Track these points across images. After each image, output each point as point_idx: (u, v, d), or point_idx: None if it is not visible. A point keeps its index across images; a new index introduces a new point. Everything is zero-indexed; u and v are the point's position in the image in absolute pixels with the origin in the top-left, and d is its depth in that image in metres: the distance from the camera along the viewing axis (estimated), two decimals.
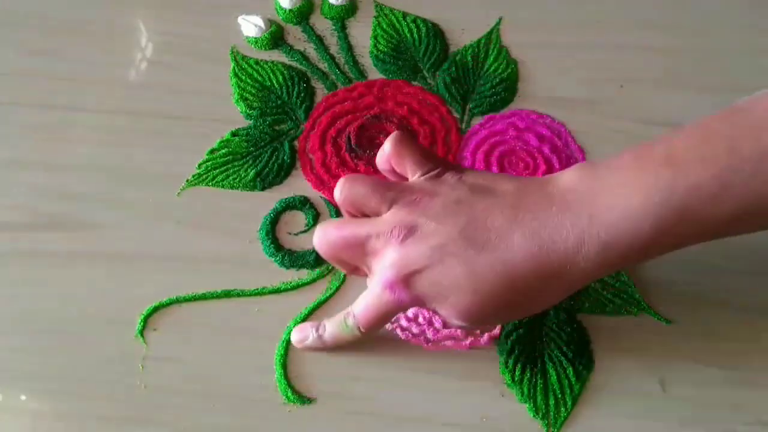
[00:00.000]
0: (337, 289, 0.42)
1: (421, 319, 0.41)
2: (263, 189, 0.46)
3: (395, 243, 0.33)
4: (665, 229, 0.30)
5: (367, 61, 0.51)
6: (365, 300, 0.36)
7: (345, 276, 0.43)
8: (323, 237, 0.36)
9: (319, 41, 0.52)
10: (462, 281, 0.32)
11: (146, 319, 0.41)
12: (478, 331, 0.41)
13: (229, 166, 0.46)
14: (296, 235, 0.44)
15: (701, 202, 0.29)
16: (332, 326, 0.38)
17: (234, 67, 0.51)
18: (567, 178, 0.33)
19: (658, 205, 0.30)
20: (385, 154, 0.37)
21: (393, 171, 0.37)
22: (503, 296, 0.32)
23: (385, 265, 0.34)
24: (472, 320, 0.34)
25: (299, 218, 0.45)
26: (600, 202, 0.31)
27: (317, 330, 0.39)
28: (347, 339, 0.38)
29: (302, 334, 0.40)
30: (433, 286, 0.33)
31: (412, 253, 0.33)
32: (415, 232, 0.33)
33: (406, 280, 0.33)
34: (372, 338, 0.41)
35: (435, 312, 0.35)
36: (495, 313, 0.34)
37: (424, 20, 0.52)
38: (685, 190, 0.30)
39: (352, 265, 0.37)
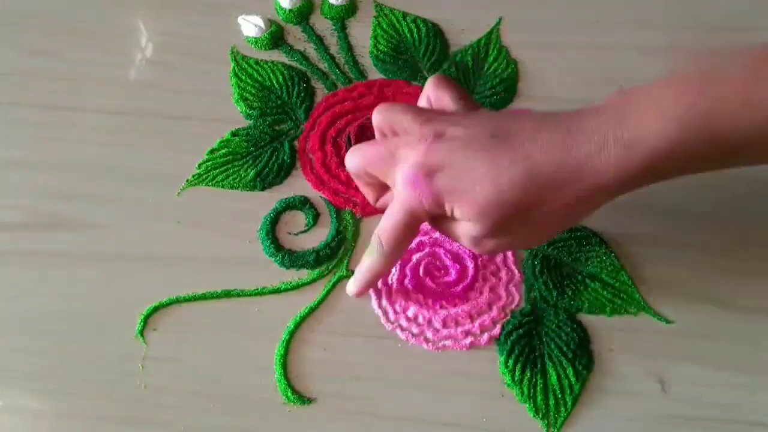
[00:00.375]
0: (334, 285, 0.42)
1: (420, 319, 0.41)
2: (263, 189, 0.46)
3: (423, 146, 0.34)
4: (691, 135, 0.29)
5: (367, 61, 0.51)
6: (388, 211, 0.36)
7: (343, 276, 0.43)
8: (356, 150, 0.37)
9: (319, 41, 0.52)
10: (483, 173, 0.32)
11: (146, 319, 0.41)
12: (477, 331, 0.41)
13: (229, 166, 0.47)
14: (296, 235, 0.44)
15: (731, 108, 0.29)
16: (363, 258, 0.39)
17: (234, 67, 0.51)
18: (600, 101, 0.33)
19: (687, 109, 0.29)
20: (425, 89, 0.38)
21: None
22: (521, 196, 0.32)
23: (409, 163, 0.34)
24: (489, 220, 0.33)
25: (299, 218, 0.45)
26: (629, 107, 0.31)
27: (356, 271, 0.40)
28: (377, 263, 0.38)
29: (351, 285, 0.41)
30: (455, 180, 0.33)
31: (437, 151, 0.33)
32: (443, 135, 0.34)
33: (428, 174, 0.33)
34: (371, 338, 0.41)
35: (452, 215, 0.34)
36: (508, 217, 0.33)
37: (424, 20, 0.52)
38: (715, 96, 0.29)
39: (379, 184, 0.37)
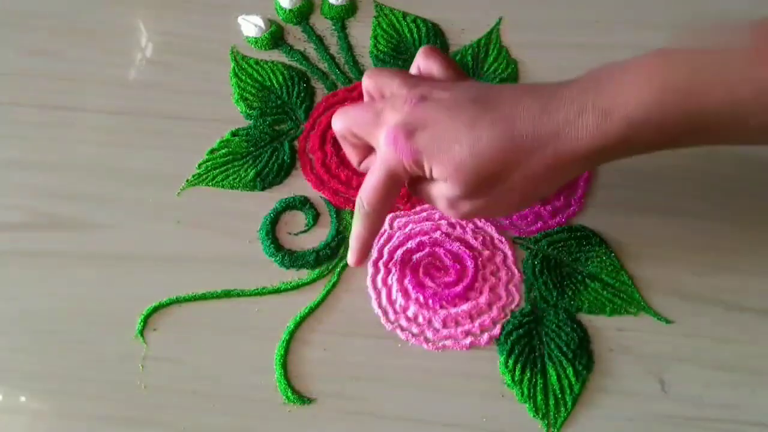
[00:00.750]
0: (334, 285, 0.42)
1: (421, 319, 0.41)
2: (263, 189, 0.46)
3: (407, 107, 0.34)
4: (668, 106, 0.30)
5: (367, 61, 0.51)
6: (369, 171, 0.36)
7: (341, 274, 0.43)
8: (343, 111, 0.37)
9: (319, 41, 0.52)
10: (462, 133, 0.32)
11: (146, 319, 0.41)
12: (477, 331, 0.41)
13: (229, 166, 0.47)
14: (296, 235, 0.44)
15: (709, 85, 0.30)
16: (353, 222, 0.39)
17: (234, 67, 0.51)
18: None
19: (666, 80, 0.30)
20: (416, 59, 0.38)
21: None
22: (497, 156, 0.32)
23: (391, 124, 0.34)
24: (464, 178, 0.33)
25: (299, 218, 0.45)
26: (610, 77, 0.32)
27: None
28: (361, 226, 0.38)
29: (348, 257, 0.40)
30: (434, 139, 0.33)
31: (420, 111, 0.34)
32: (427, 98, 0.34)
33: (409, 133, 0.33)
34: (371, 338, 0.41)
35: (430, 176, 0.34)
36: (484, 178, 0.33)
37: (424, 20, 0.52)
38: (695, 71, 0.30)
39: (364, 145, 0.37)
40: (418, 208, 0.45)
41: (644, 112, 0.30)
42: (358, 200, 0.37)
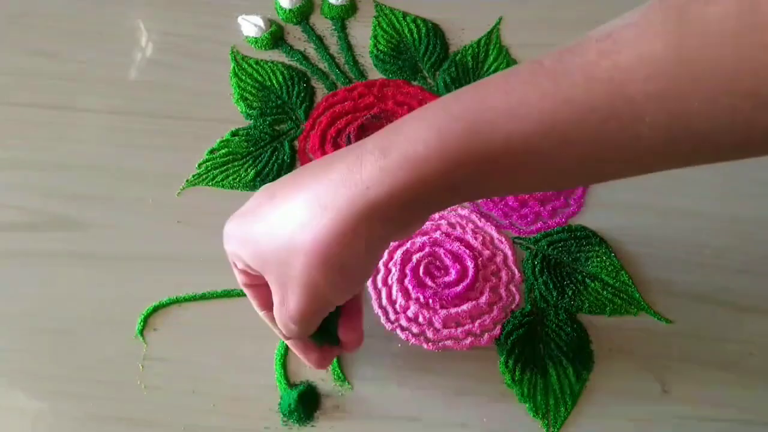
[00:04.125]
0: None
1: (421, 319, 0.41)
2: None
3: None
4: (450, 140, 0.26)
5: (367, 61, 0.51)
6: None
7: None
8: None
9: (319, 41, 0.52)
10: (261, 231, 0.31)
11: (146, 319, 0.41)
12: (478, 331, 0.41)
13: (229, 166, 0.47)
14: None
15: (491, 115, 0.26)
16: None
17: (234, 67, 0.51)
18: None
19: (445, 114, 0.27)
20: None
21: None
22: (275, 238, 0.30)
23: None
24: (264, 265, 0.31)
25: None
26: (398, 123, 0.29)
27: None
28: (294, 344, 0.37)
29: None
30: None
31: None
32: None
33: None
34: (371, 338, 0.41)
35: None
36: (273, 259, 0.30)
37: (424, 20, 0.52)
38: (477, 105, 0.26)
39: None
40: None
41: (424, 147, 0.26)
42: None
